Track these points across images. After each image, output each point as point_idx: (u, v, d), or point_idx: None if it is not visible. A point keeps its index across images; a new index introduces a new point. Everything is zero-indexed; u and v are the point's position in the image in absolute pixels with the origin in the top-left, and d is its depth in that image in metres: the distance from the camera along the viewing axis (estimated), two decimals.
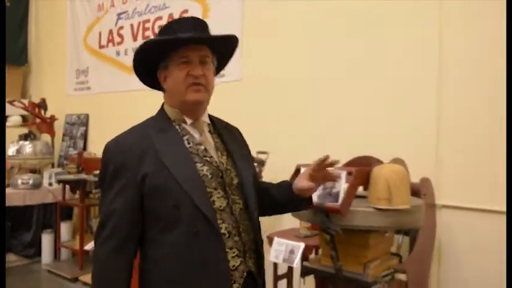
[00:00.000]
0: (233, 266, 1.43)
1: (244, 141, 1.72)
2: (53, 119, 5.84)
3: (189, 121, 1.50)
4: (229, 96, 4.00)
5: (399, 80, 3.15)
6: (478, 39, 2.82)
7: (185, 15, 4.53)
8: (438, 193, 2.87)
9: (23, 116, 6.21)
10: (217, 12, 4.22)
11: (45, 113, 5.85)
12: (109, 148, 1.46)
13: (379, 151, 2.53)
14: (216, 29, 4.58)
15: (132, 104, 5.07)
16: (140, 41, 5.02)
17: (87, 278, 4.39)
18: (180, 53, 1.44)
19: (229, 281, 1.41)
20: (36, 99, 5.93)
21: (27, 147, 5.44)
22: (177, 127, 1.50)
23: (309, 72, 3.62)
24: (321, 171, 1.52)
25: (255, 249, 1.53)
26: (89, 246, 4.39)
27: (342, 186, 1.90)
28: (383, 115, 3.20)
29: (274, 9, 3.86)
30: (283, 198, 1.62)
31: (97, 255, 1.43)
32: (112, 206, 1.41)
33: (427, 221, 2.64)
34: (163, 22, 4.74)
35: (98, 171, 4.35)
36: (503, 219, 2.69)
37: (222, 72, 4.30)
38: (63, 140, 6.00)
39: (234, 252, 1.44)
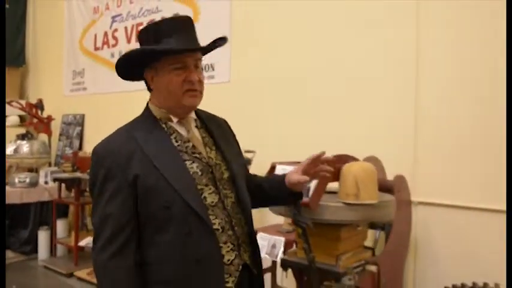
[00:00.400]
0: (228, 260, 1.45)
1: (231, 132, 1.73)
2: (49, 119, 5.99)
3: (175, 119, 1.51)
4: (218, 97, 4.13)
5: (378, 80, 3.27)
6: (454, 40, 2.93)
7: None
8: (415, 190, 3.01)
9: (20, 116, 6.35)
10: (207, 15, 4.35)
11: (42, 113, 6.00)
12: (97, 152, 1.44)
13: (359, 150, 2.65)
14: (206, 31, 4.77)
15: (127, 104, 5.19)
16: (134, 44, 5.16)
17: (81, 273, 4.53)
18: (175, 58, 1.43)
19: (224, 275, 1.43)
20: (33, 100, 6.08)
21: (25, 146, 5.58)
22: (164, 126, 1.50)
23: (294, 74, 3.75)
24: (315, 166, 1.57)
25: (249, 241, 1.55)
26: (84, 242, 4.53)
27: (313, 182, 2.02)
28: (363, 115, 3.33)
29: (262, 13, 3.99)
30: (275, 191, 1.65)
31: (97, 264, 1.39)
32: (107, 210, 1.38)
33: (402, 217, 2.77)
34: None
35: None
36: (478, 214, 2.83)
37: (211, 74, 4.45)
38: (59, 140, 6.14)
39: (228, 247, 1.45)
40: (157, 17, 4.89)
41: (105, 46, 5.57)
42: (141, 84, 5.25)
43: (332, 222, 2.11)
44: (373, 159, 2.70)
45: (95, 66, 5.71)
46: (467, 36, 2.88)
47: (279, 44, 3.87)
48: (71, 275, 4.61)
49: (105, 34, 5.55)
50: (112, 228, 1.36)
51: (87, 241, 4.52)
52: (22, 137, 5.68)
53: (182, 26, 1.48)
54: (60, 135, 6.14)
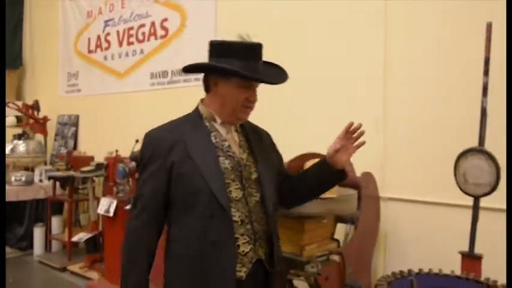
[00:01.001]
0: (243, 251, 1.59)
1: (271, 143, 1.90)
2: (45, 119, 6.18)
3: (219, 120, 1.68)
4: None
5: (348, 81, 3.45)
6: (420, 42, 3.11)
7: (165, 23, 4.87)
8: (385, 187, 3.20)
9: (17, 117, 6.52)
10: (194, 21, 4.55)
11: (38, 114, 6.18)
12: (146, 138, 1.66)
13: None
14: (192, 35, 4.98)
15: (119, 105, 5.42)
16: (125, 47, 5.36)
17: (74, 267, 4.73)
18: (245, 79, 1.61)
19: (236, 263, 1.57)
20: (29, 101, 6.27)
21: (21, 146, 5.77)
22: (207, 124, 1.68)
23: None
24: (349, 139, 1.67)
25: (267, 239, 1.67)
26: (76, 238, 4.72)
27: None
28: (333, 115, 3.50)
29: (245, 17, 4.16)
30: (316, 176, 1.75)
31: (128, 227, 1.63)
32: (144, 187, 1.62)
33: (369, 211, 2.96)
34: (147, 29, 5.08)
35: (84, 168, 4.69)
36: (443, 209, 3.00)
37: (197, 76, 4.63)
38: (55, 140, 6.33)
39: (244, 239, 1.60)
40: (147, 22, 5.09)
41: (98, 49, 5.76)
42: (132, 87, 5.46)
43: (296, 215, 2.30)
44: None
45: (88, 68, 5.91)
46: (433, 38, 3.05)
47: (266, 46, 4.03)
48: (64, 269, 4.80)
49: (98, 37, 5.75)
50: (145, 202, 1.61)
51: (79, 236, 4.72)
52: (19, 137, 5.87)
53: (255, 52, 1.67)
54: (56, 135, 6.33)
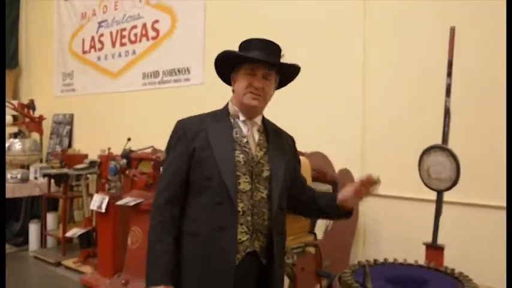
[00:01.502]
0: (239, 239, 1.71)
1: (293, 147, 2.00)
2: (41, 118, 6.31)
3: (242, 117, 1.82)
4: (193, 99, 4.48)
5: (328, 84, 3.60)
6: (397, 46, 3.27)
7: (156, 25, 5.01)
8: None
9: (13, 116, 6.65)
10: (184, 22, 4.68)
11: (33, 113, 6.32)
12: (176, 125, 1.82)
13: (312, 147, 2.99)
14: (182, 36, 5.11)
15: (113, 104, 5.56)
16: (118, 48, 5.50)
17: (68, 262, 4.85)
18: (249, 66, 1.76)
19: (236, 247, 1.70)
20: (25, 100, 6.40)
21: (17, 144, 5.90)
22: (231, 120, 1.82)
23: None
24: (366, 188, 1.75)
25: (267, 234, 1.77)
26: (70, 233, 4.85)
27: None
28: (315, 116, 3.66)
29: (233, 20, 4.32)
30: (326, 207, 1.88)
31: (155, 202, 1.77)
32: (169, 167, 1.78)
33: None
34: (138, 31, 5.22)
35: (78, 166, 4.82)
36: (418, 204, 3.14)
37: (187, 77, 4.77)
38: (50, 138, 6.47)
39: (243, 229, 1.71)
40: (139, 23, 5.23)
41: (92, 50, 5.90)
42: (125, 87, 5.61)
43: None
44: (319, 154, 3.03)
45: (83, 68, 6.05)
46: (407, 44, 3.20)
47: None
48: (59, 264, 4.91)
49: (92, 38, 5.88)
50: (168, 180, 1.77)
51: (73, 232, 4.85)
52: (15, 135, 6.00)
53: (268, 45, 1.81)
54: (51, 133, 6.47)
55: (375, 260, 2.13)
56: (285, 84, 1.97)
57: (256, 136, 1.84)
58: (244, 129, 1.81)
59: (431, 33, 3.03)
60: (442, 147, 2.19)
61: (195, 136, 1.75)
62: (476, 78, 2.89)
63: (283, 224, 1.87)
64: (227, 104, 1.88)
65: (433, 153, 2.22)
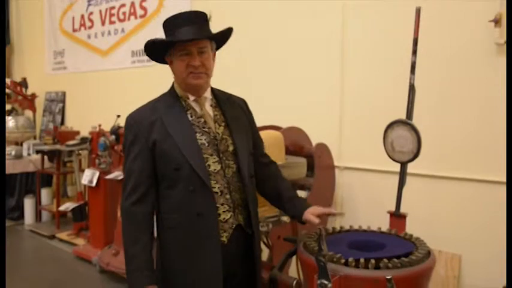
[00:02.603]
0: (223, 218, 1.74)
1: (247, 111, 1.97)
2: (33, 96, 6.43)
3: (191, 97, 1.77)
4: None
5: (307, 60, 3.71)
6: (374, 25, 3.36)
7: (144, 3, 5.08)
8: (341, 157, 3.50)
9: (6, 94, 6.75)
10: (171, 1, 4.75)
11: (26, 91, 6.42)
12: (127, 121, 1.76)
13: (292, 122, 3.12)
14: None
15: (103, 82, 5.67)
16: (107, 26, 5.58)
17: (62, 235, 5.05)
18: (181, 46, 1.68)
19: (219, 230, 1.72)
20: (18, 78, 6.50)
21: (10, 122, 6.03)
22: (183, 102, 1.77)
23: (242, 56, 4.13)
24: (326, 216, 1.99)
25: (245, 206, 1.81)
26: (63, 207, 5.03)
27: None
28: (296, 93, 3.78)
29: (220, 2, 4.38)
30: (288, 207, 1.94)
31: (123, 207, 1.73)
32: (131, 167, 1.70)
33: (323, 178, 3.24)
34: (127, 9, 5.29)
35: (70, 142, 4.96)
36: (390, 176, 3.27)
37: None
38: (43, 116, 6.59)
39: (224, 208, 1.75)
40: (127, 2, 5.29)
41: (82, 28, 5.97)
42: (114, 64, 5.76)
43: None
44: (296, 129, 3.17)
45: (74, 46, 6.12)
46: (384, 24, 3.29)
47: (239, 28, 4.21)
48: (53, 237, 5.12)
49: (82, 17, 5.95)
50: (134, 182, 1.70)
51: (66, 206, 5.03)
52: (8, 113, 6.12)
53: (192, 18, 1.73)
54: (44, 111, 6.58)
55: (341, 227, 2.29)
56: (223, 44, 1.91)
57: (211, 112, 1.82)
58: (198, 109, 1.79)
59: (404, 13, 3.13)
60: (405, 122, 2.32)
61: (151, 128, 1.71)
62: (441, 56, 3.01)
63: (255, 191, 1.92)
64: (172, 86, 1.83)
65: (396, 128, 2.34)
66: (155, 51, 1.80)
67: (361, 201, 3.46)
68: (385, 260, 1.73)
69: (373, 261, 1.72)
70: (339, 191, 3.53)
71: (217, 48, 1.86)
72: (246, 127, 1.92)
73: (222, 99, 1.88)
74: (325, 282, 1.62)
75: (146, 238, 1.69)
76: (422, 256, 1.84)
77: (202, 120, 1.77)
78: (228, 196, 1.77)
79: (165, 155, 1.69)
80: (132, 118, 1.76)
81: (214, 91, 1.88)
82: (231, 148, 1.80)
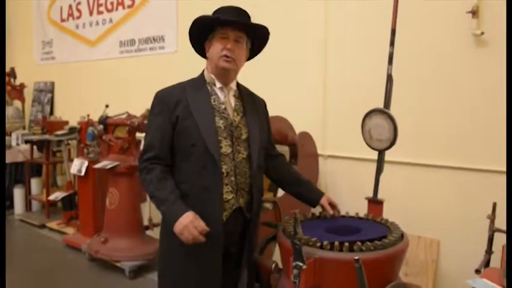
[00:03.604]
0: (225, 198, 1.90)
1: (265, 111, 2.20)
2: (22, 86, 6.43)
3: (218, 85, 1.96)
4: (167, 67, 4.63)
5: (292, 51, 3.75)
6: (356, 18, 3.42)
7: None
8: (325, 146, 3.58)
9: None
10: None
11: (15, 81, 6.42)
12: (157, 96, 1.94)
13: (278, 112, 3.17)
14: (157, 4, 5.16)
15: (91, 72, 5.68)
16: (95, 16, 5.59)
17: (52, 224, 5.10)
18: (221, 30, 1.89)
19: (222, 206, 1.88)
20: (6, 69, 6.48)
21: None
22: (209, 88, 1.96)
23: None
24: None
25: (249, 191, 1.97)
26: (53, 196, 5.07)
27: None
28: (281, 83, 3.83)
29: None
30: (305, 192, 2.22)
31: (141, 167, 1.91)
32: (154, 131, 1.90)
33: (306, 166, 3.31)
34: None
35: (58, 132, 4.99)
36: (370, 164, 3.36)
37: (161, 45, 4.88)
38: (32, 106, 6.59)
39: (228, 188, 1.90)
40: None
41: (71, 18, 5.96)
42: (103, 54, 5.74)
43: None
44: (280, 118, 3.23)
45: (62, 36, 6.11)
46: (366, 15, 3.35)
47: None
48: (43, 226, 5.18)
49: (70, 7, 5.94)
50: (155, 147, 1.89)
51: (55, 195, 5.07)
52: None
53: (237, 11, 1.94)
54: (33, 101, 6.58)
55: (320, 213, 2.36)
56: (257, 53, 2.13)
57: (233, 102, 2.00)
58: (221, 96, 1.96)
59: (385, 4, 3.19)
60: (382, 111, 2.40)
61: (176, 106, 1.87)
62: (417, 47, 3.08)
63: (261, 181, 2.09)
64: (203, 72, 2.01)
65: (373, 116, 2.42)
66: (198, 33, 1.97)
67: (344, 188, 3.54)
68: (359, 243, 1.82)
69: (347, 244, 1.81)
70: (323, 178, 3.61)
71: (253, 55, 2.10)
72: (262, 122, 2.11)
73: (244, 93, 2.08)
74: (300, 264, 1.70)
75: (171, 182, 1.87)
76: (395, 239, 1.92)
77: (223, 106, 1.95)
78: (232, 178, 1.91)
79: (185, 131, 1.86)
80: (162, 94, 1.95)
81: (239, 85, 2.08)
82: (244, 136, 1.98)
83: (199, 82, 1.97)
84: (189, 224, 1.75)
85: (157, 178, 1.85)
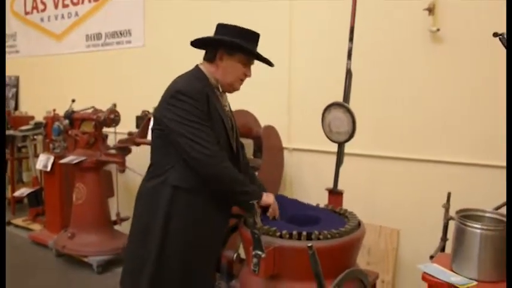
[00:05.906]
0: None
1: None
2: None
3: (220, 89, 2.10)
4: (134, 61, 4.61)
5: (258, 48, 3.77)
6: (318, 16, 3.49)
7: None
8: (290, 139, 3.65)
9: None
10: None
11: None
12: (183, 90, 1.93)
13: (241, 105, 3.20)
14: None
15: (57, 66, 5.60)
16: (61, 9, 5.50)
17: (18, 221, 5.03)
18: (249, 57, 2.08)
19: None
20: None
21: None
22: (216, 90, 2.09)
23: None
24: None
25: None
26: (18, 192, 5.01)
27: None
28: (249, 79, 3.87)
29: None
30: None
31: (207, 152, 1.95)
32: (202, 129, 1.93)
33: (271, 158, 3.37)
34: None
35: (23, 127, 4.92)
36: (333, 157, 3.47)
37: (128, 39, 4.84)
38: None
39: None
40: None
41: (35, 10, 5.85)
42: (69, 48, 5.63)
43: None
44: (244, 112, 3.29)
45: (26, 29, 5.99)
46: (328, 14, 3.43)
47: (191, 11, 4.22)
48: (9, 223, 5.09)
49: None
50: (212, 139, 1.96)
51: (21, 191, 5.01)
52: None
53: (257, 38, 2.15)
54: None
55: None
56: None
57: (227, 105, 2.19)
58: (223, 100, 2.13)
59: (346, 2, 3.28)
60: (340, 104, 2.48)
61: (206, 98, 1.96)
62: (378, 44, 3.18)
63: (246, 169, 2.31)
64: (201, 70, 2.09)
65: (333, 110, 2.50)
66: (215, 42, 2.07)
67: (309, 180, 3.63)
68: (316, 232, 1.89)
69: (304, 233, 1.88)
70: (288, 170, 3.69)
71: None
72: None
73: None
74: (259, 252, 1.77)
75: (241, 176, 2.03)
76: (352, 228, 2.01)
77: (227, 108, 2.16)
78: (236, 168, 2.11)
79: (213, 125, 1.98)
80: (189, 87, 1.96)
81: None
82: (235, 134, 2.19)
83: (206, 80, 2.06)
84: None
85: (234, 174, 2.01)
